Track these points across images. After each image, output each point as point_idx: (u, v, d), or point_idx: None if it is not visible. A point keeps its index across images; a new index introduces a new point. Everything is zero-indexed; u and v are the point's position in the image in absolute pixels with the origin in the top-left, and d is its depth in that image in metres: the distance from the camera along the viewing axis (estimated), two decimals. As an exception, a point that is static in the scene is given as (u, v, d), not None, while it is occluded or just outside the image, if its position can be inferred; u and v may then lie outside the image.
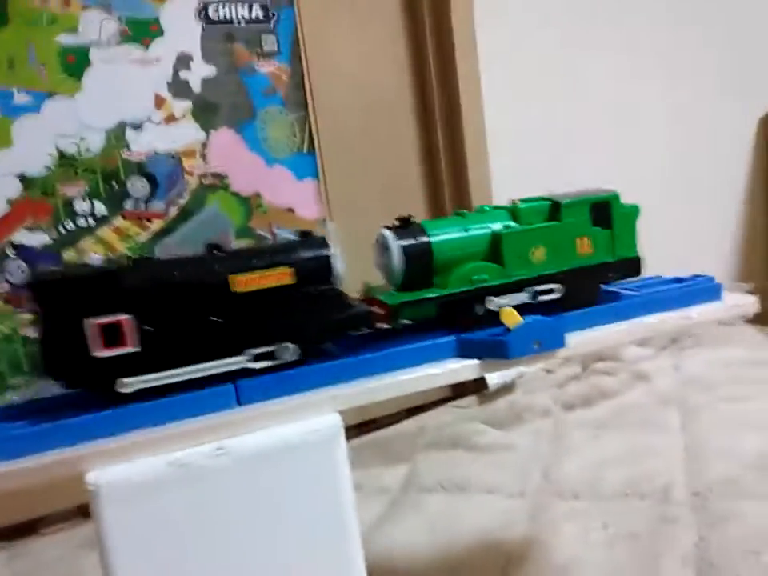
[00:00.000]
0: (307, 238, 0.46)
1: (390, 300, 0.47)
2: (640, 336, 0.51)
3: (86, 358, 0.39)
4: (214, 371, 0.42)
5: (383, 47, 1.16)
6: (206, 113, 1.02)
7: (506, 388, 1.17)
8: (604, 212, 0.54)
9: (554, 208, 0.52)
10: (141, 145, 0.98)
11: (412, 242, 0.48)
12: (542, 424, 1.06)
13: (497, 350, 0.45)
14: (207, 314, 0.41)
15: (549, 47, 1.29)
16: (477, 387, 1.18)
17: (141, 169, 0.99)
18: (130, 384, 0.40)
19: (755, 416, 0.99)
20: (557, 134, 1.30)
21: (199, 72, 1.02)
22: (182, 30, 1.00)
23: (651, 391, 1.13)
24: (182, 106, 1.01)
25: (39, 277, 0.41)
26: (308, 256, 0.44)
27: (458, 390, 1.21)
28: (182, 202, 1.01)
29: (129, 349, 0.39)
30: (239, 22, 1.03)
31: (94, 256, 0.41)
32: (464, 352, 0.46)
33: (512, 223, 0.51)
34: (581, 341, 0.48)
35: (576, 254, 0.52)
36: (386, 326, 0.50)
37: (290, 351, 0.43)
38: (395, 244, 0.47)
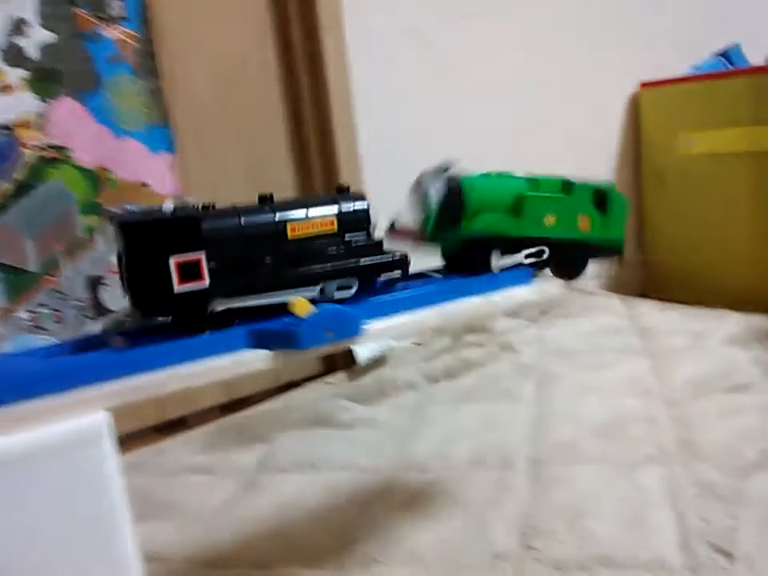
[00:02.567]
0: (346, 192, 0.53)
1: (426, 224, 0.55)
2: (442, 322, 0.52)
3: (167, 291, 0.44)
4: (278, 300, 0.47)
5: (244, 14, 1.11)
6: (44, 82, 0.95)
7: (376, 363, 1.18)
8: (603, 199, 0.63)
9: (567, 185, 0.61)
10: (-31, 115, 0.90)
11: (452, 179, 0.56)
12: (406, 398, 1.07)
13: (288, 340, 0.44)
14: (266, 256, 0.48)
15: (419, 18, 1.28)
16: (347, 363, 1.18)
17: (-31, 141, 0.91)
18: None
19: (605, 383, 1.05)
20: (428, 109, 1.30)
21: (37, 38, 0.94)
22: (14, -9, 0.92)
23: (514, 362, 1.17)
24: (17, 75, 0.93)
25: (129, 219, 0.45)
26: (348, 208, 0.51)
27: (330, 366, 1.22)
28: (18, 176, 0.93)
29: (204, 284, 0.45)
30: (79, -17, 0.96)
31: (167, 203, 0.47)
32: (256, 342, 0.45)
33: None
34: (380, 328, 0.48)
35: (577, 228, 0.61)
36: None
37: (333, 289, 0.50)
38: (436, 180, 0.56)
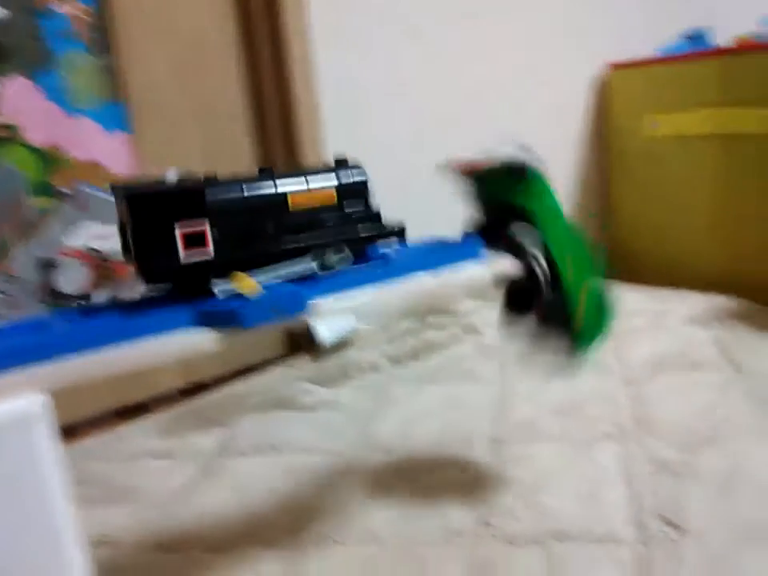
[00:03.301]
0: (344, 164, 0.54)
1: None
2: (392, 299, 0.51)
3: (172, 260, 0.45)
4: (283, 273, 0.48)
5: (202, -10, 1.09)
6: (-7, 58, 0.92)
7: (340, 345, 1.17)
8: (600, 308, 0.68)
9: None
10: None
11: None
12: (369, 380, 1.07)
13: (232, 319, 0.44)
14: (268, 226, 0.49)
15: (392, 5, 1.26)
16: (311, 345, 1.17)
17: None
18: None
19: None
20: (391, 87, 1.29)
21: (-14, 12, 0.91)
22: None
23: (478, 344, 1.18)
24: (-36, 49, 0.90)
25: (134, 190, 0.45)
26: (348, 180, 0.52)
27: (293, 350, 1.21)
28: (-35, 156, 0.90)
29: (208, 253, 0.46)
30: (29, -45, 0.92)
31: (170, 172, 0.47)
32: (200, 322, 0.44)
33: None
34: (328, 305, 0.48)
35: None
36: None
37: (338, 258, 0.51)
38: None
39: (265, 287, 0.44)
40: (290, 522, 0.73)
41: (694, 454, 0.76)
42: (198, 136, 1.09)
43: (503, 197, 0.60)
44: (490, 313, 1.31)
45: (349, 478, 0.80)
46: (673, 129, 1.44)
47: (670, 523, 0.66)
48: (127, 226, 0.45)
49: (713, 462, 0.75)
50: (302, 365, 1.14)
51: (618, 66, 1.53)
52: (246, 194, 0.48)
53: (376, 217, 0.54)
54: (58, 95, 0.97)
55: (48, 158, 0.96)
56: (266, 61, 1.14)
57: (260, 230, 0.49)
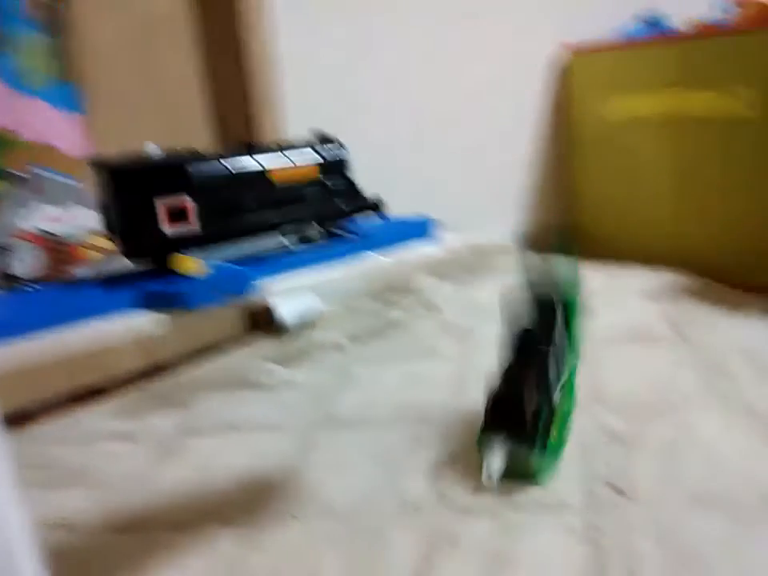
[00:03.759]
0: (324, 139, 0.54)
1: None
2: (342, 277, 0.51)
3: (155, 234, 0.45)
4: (260, 247, 0.50)
5: (155, -33, 1.07)
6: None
7: (302, 325, 1.18)
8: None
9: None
10: None
11: None
12: (330, 359, 1.08)
13: (178, 301, 0.44)
14: (251, 200, 0.49)
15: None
16: (272, 325, 1.18)
17: None
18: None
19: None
20: (352, 67, 1.28)
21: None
22: None
23: (438, 321, 1.19)
24: None
25: (117, 165, 0.45)
26: (328, 154, 0.53)
27: (254, 330, 1.21)
28: None
29: (192, 227, 0.46)
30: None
31: (152, 145, 0.47)
32: (145, 304, 0.44)
33: None
34: (275, 285, 0.48)
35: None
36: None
37: (317, 232, 0.52)
38: None
39: (211, 268, 0.44)
40: (250, 499, 0.73)
41: (643, 425, 0.79)
42: (154, 115, 1.07)
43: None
44: (451, 290, 1.32)
45: (308, 455, 0.81)
46: (631, 112, 1.46)
47: (618, 490, 0.68)
48: (110, 202, 0.45)
49: (661, 431, 0.78)
50: (264, 345, 1.14)
51: (577, 50, 1.54)
52: (229, 168, 0.49)
53: (355, 190, 0.55)
54: (10, 76, 0.94)
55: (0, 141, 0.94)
56: (222, 38, 1.12)
57: (244, 204, 0.49)
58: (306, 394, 0.97)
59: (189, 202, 0.46)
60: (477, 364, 1.01)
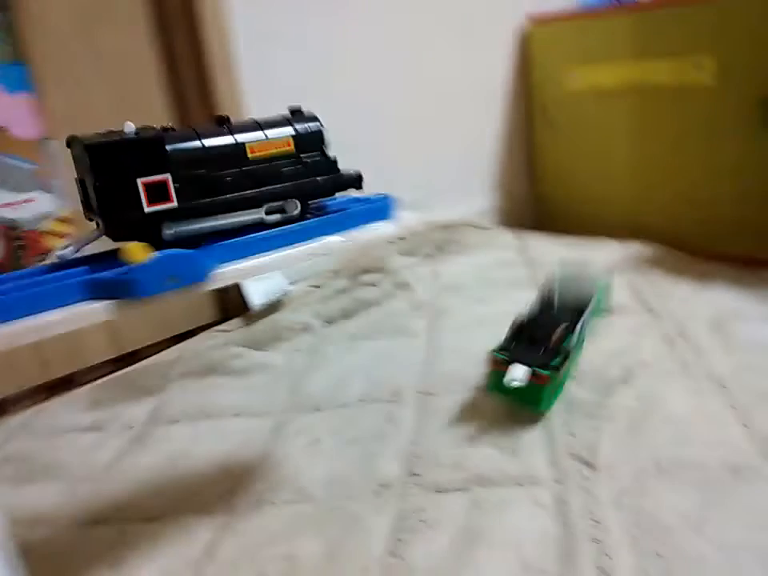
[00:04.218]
0: (299, 114, 0.55)
1: None
2: (288, 263, 0.51)
3: (136, 210, 0.45)
4: (238, 221, 0.50)
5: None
6: None
7: (272, 307, 1.17)
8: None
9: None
10: None
11: None
12: (302, 341, 1.07)
13: (127, 290, 0.43)
14: (227, 176, 0.49)
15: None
16: (243, 309, 1.17)
17: None
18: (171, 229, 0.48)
19: (491, 316, 1.08)
20: (313, 45, 1.26)
21: None
22: None
23: (409, 299, 1.19)
24: None
25: (94, 141, 0.45)
26: (304, 129, 0.53)
27: (225, 314, 1.20)
28: None
29: (172, 204, 0.47)
30: None
31: (129, 124, 0.47)
32: (94, 293, 0.43)
33: None
34: (229, 272, 0.47)
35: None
36: None
37: (294, 206, 0.53)
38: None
39: (164, 255, 0.43)
40: (223, 486, 0.73)
41: (608, 395, 0.80)
42: (107, 95, 1.04)
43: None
44: (422, 268, 1.32)
45: (281, 439, 0.81)
46: (592, 82, 1.46)
47: (583, 461, 0.69)
48: (90, 180, 0.45)
49: (626, 401, 0.79)
50: (234, 329, 1.13)
51: (539, 20, 1.53)
52: (204, 143, 0.49)
53: (333, 165, 0.55)
54: (-49, 56, 0.90)
55: (-56, 125, 0.91)
56: (177, 14, 1.09)
57: (219, 179, 0.49)
58: (277, 377, 0.97)
59: (168, 179, 0.46)
60: (446, 341, 1.01)
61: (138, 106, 1.08)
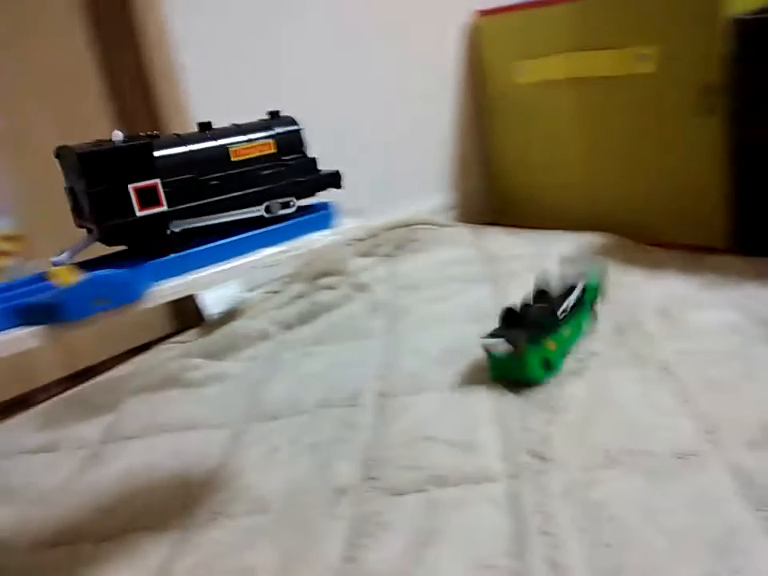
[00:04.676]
0: (277, 116, 0.58)
1: None
2: (236, 275, 0.51)
3: (128, 214, 0.47)
4: (234, 218, 0.54)
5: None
6: None
7: (228, 316, 1.16)
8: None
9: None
10: None
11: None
12: (259, 349, 1.07)
13: (54, 314, 0.42)
14: (212, 179, 0.52)
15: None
16: (198, 319, 1.15)
17: None
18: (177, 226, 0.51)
19: (448, 313, 1.09)
20: (262, 49, 1.25)
21: None
22: None
23: (367, 301, 1.19)
24: None
25: (85, 149, 0.46)
26: (283, 130, 0.56)
27: (181, 325, 1.18)
28: None
29: (162, 207, 0.49)
30: None
31: (117, 132, 0.49)
32: (19, 320, 0.42)
33: None
34: (169, 288, 0.47)
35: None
36: None
37: (278, 206, 0.56)
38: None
39: (91, 277, 0.43)
40: (179, 501, 0.73)
41: (560, 387, 0.81)
42: (46, 109, 1.02)
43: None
44: (380, 268, 1.33)
45: (238, 450, 0.80)
46: (538, 74, 1.47)
47: (536, 455, 0.70)
48: (79, 186, 0.47)
49: (577, 392, 0.80)
50: (190, 340, 1.12)
51: (486, 13, 1.54)
52: (189, 148, 0.51)
53: (313, 165, 0.58)
54: None
55: None
56: (114, 23, 1.07)
57: (205, 183, 0.52)
58: (235, 387, 0.96)
59: (158, 184, 0.48)
60: (404, 341, 1.02)
61: (80, 117, 1.06)
